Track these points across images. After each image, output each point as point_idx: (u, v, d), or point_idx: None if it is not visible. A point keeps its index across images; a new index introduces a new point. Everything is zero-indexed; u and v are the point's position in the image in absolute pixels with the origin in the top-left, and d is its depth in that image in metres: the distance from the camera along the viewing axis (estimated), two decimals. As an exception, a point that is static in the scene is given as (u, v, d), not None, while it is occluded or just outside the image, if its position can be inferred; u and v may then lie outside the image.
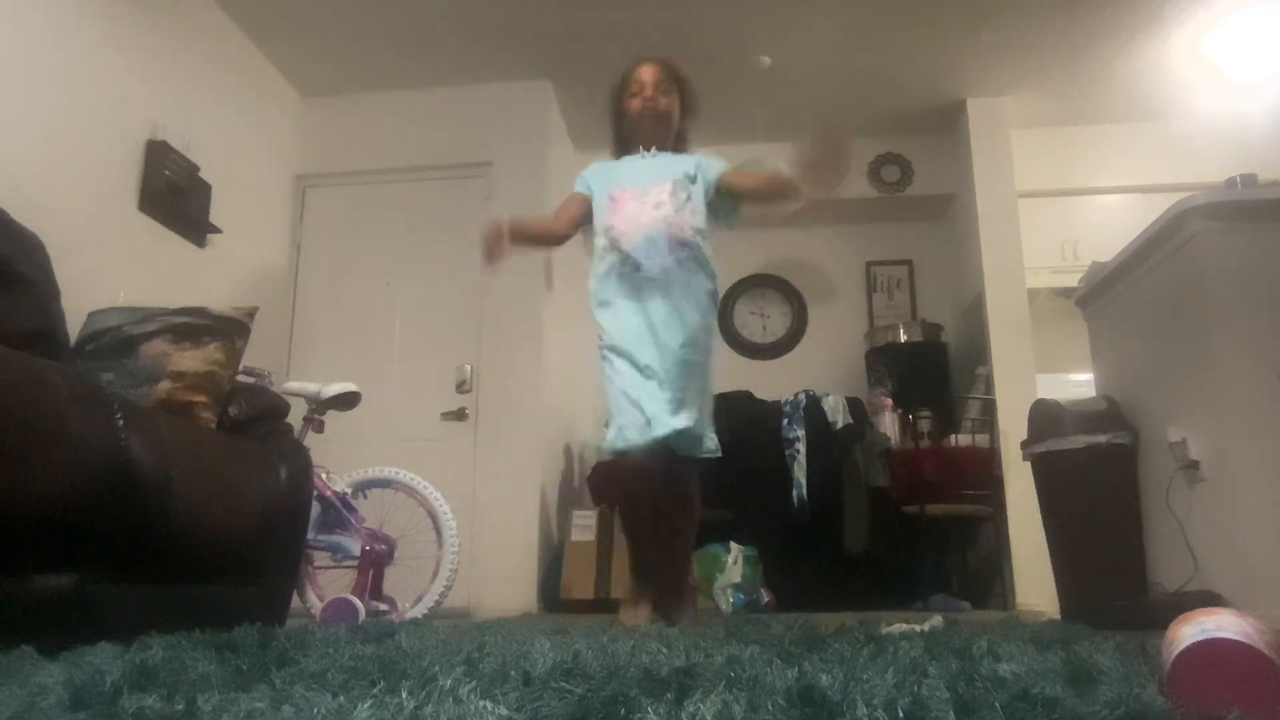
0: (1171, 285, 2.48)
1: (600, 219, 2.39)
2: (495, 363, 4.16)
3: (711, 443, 2.29)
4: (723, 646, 1.41)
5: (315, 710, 0.76)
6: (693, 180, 2.38)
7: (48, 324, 2.21)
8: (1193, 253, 2.37)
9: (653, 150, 2.45)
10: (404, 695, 0.82)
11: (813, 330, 5.28)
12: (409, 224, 4.41)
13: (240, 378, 2.50)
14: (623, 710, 0.74)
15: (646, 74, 2.41)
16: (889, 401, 4.48)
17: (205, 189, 3.68)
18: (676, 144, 2.50)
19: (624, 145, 2.50)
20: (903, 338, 4.76)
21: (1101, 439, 2.61)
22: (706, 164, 2.43)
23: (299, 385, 3.08)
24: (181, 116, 3.53)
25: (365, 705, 0.76)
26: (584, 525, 4.08)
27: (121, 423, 1.69)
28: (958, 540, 4.45)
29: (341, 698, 0.81)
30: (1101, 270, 2.88)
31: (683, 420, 2.14)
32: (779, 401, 4.24)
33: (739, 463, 4.13)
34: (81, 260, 2.71)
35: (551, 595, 3.95)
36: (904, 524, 4.06)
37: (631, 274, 2.29)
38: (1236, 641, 0.78)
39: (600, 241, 2.38)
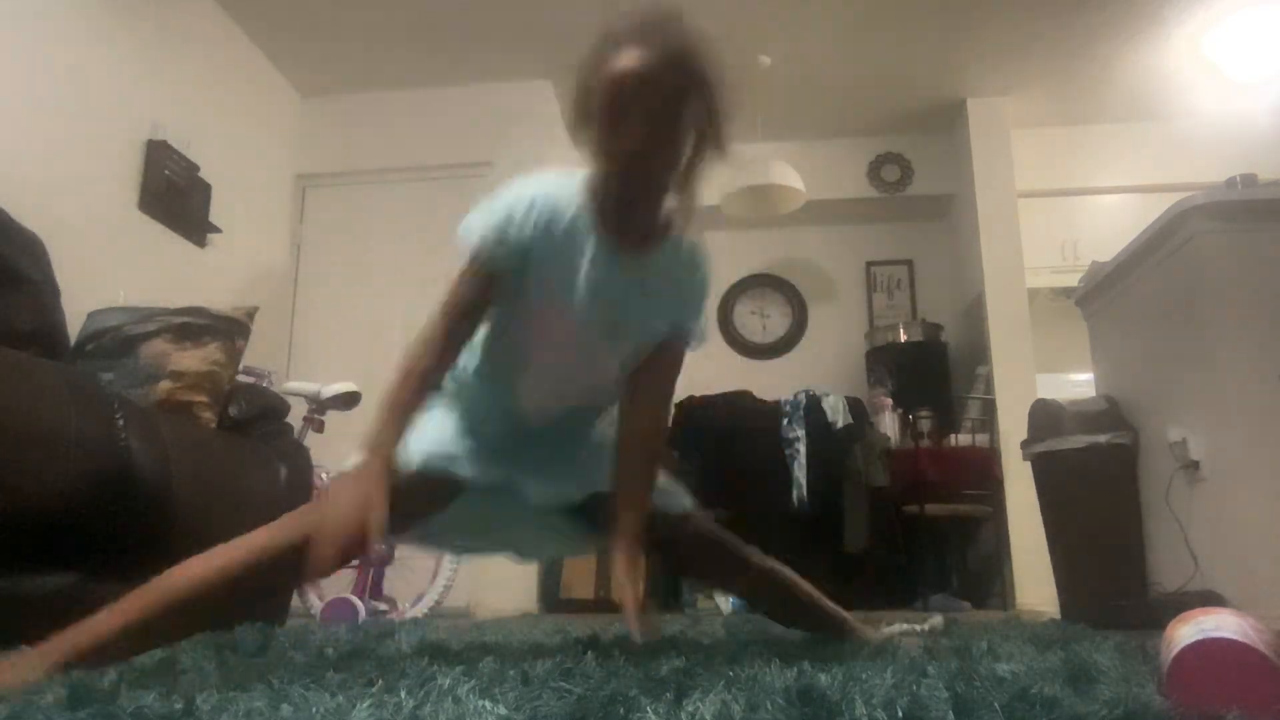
0: (1171, 285, 2.48)
1: (510, 333, 1.33)
2: (495, 363, 4.15)
3: None
4: (723, 646, 1.41)
5: (314, 709, 0.76)
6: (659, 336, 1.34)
7: (48, 324, 2.21)
8: (1193, 253, 2.37)
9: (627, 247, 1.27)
10: (403, 695, 0.82)
11: (813, 330, 5.27)
12: (409, 224, 4.41)
13: (240, 378, 2.50)
14: (622, 710, 0.74)
15: (644, 89, 1.16)
16: (889, 401, 4.48)
17: (205, 189, 3.68)
18: (662, 224, 1.30)
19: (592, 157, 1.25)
20: (903, 338, 4.76)
21: (1101, 439, 2.61)
22: (693, 313, 1.37)
23: (299, 385, 3.08)
24: (181, 116, 3.53)
25: (364, 705, 0.76)
26: (584, 525, 4.07)
27: (121, 423, 1.69)
28: (958, 540, 4.45)
29: (340, 697, 0.81)
30: (1101, 270, 2.87)
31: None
32: (779, 401, 4.23)
33: (739, 463, 4.16)
34: (81, 260, 2.71)
35: (551, 595, 3.95)
36: (904, 524, 4.06)
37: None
38: (1235, 641, 0.78)
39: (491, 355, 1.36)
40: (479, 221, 1.24)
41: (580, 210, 1.26)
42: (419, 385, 1.22)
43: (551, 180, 1.29)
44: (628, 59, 1.16)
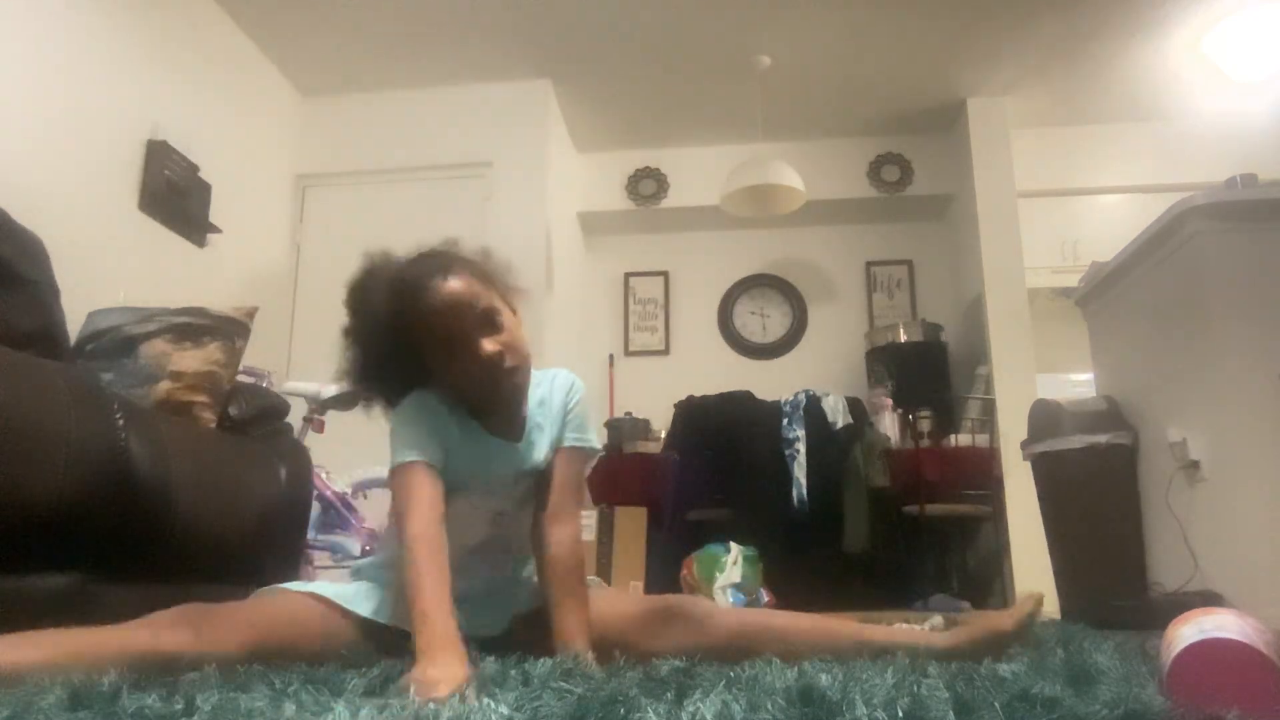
0: (1171, 285, 2.48)
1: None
2: (495, 363, 4.15)
3: None
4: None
5: (315, 710, 0.76)
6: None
7: (48, 324, 2.20)
8: (1193, 253, 2.37)
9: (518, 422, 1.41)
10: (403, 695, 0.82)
11: (813, 330, 5.27)
12: (409, 224, 4.39)
13: (240, 378, 2.49)
14: (622, 710, 0.74)
15: (466, 313, 1.29)
16: (889, 401, 4.47)
17: (205, 189, 3.68)
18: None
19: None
20: (903, 338, 4.75)
21: (1101, 439, 2.61)
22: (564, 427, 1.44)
23: (299, 385, 3.07)
24: (181, 116, 3.52)
25: (366, 705, 0.76)
26: (584, 525, 4.08)
27: (121, 423, 1.69)
28: (958, 540, 4.45)
29: (342, 697, 0.81)
30: (1101, 270, 2.87)
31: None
32: (779, 401, 4.23)
33: (739, 463, 4.16)
34: (81, 260, 2.70)
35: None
36: (904, 524, 4.06)
37: None
38: (1236, 641, 0.78)
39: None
40: (405, 442, 1.29)
41: (451, 413, 1.35)
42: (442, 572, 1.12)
43: (414, 403, 1.37)
44: (444, 286, 1.30)
